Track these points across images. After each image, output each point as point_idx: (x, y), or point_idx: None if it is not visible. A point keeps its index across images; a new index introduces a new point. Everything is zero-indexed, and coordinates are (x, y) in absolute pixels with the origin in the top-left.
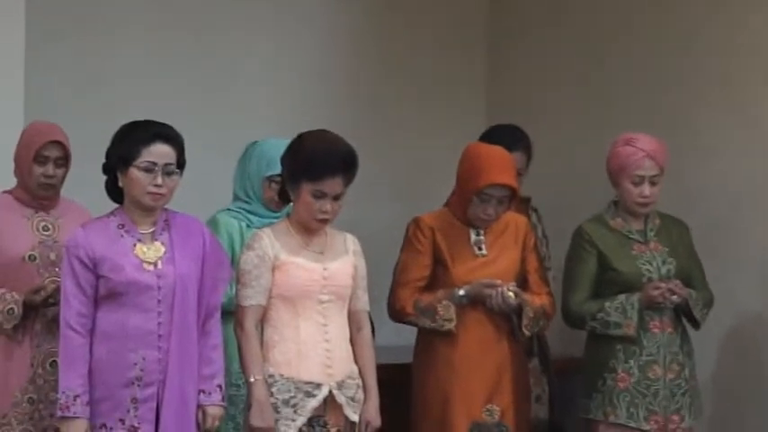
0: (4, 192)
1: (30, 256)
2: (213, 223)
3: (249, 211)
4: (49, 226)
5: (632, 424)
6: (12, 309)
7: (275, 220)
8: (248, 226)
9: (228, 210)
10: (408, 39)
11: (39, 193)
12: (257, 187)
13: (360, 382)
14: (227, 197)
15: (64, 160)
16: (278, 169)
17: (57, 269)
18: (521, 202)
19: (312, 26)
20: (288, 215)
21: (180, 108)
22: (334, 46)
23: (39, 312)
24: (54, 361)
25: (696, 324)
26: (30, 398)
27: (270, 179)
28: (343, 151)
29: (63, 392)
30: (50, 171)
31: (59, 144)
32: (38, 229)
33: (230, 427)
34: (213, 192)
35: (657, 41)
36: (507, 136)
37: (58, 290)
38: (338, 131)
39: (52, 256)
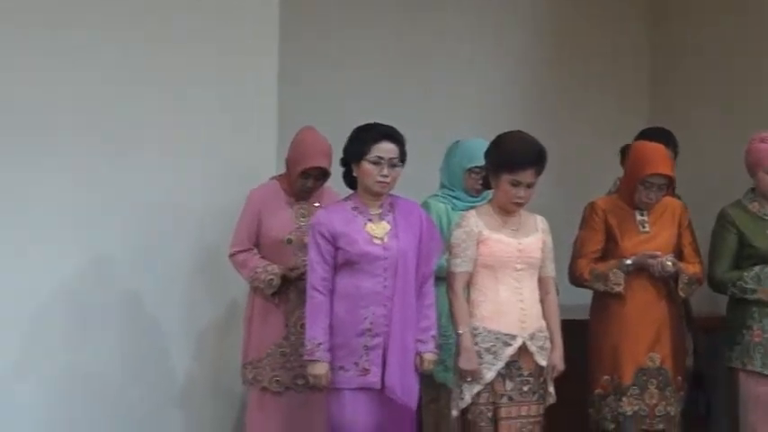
0: (273, 178)
1: (288, 240)
2: (425, 206)
3: (453, 197)
4: (306, 213)
5: (766, 372)
6: (271, 279)
7: (474, 205)
8: (452, 209)
9: (436, 196)
10: (583, 54)
11: (299, 194)
12: (459, 177)
13: (547, 334)
14: (436, 185)
15: (323, 175)
16: (476, 162)
17: None
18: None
19: (506, 47)
20: (489, 200)
21: (401, 113)
22: (525, 61)
23: (292, 284)
24: (303, 324)
25: None
26: (282, 351)
27: (470, 170)
28: (535, 148)
29: (309, 341)
30: (310, 184)
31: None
32: (297, 216)
33: (440, 370)
34: (426, 180)
35: None
36: (658, 136)
37: None
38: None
39: (306, 240)
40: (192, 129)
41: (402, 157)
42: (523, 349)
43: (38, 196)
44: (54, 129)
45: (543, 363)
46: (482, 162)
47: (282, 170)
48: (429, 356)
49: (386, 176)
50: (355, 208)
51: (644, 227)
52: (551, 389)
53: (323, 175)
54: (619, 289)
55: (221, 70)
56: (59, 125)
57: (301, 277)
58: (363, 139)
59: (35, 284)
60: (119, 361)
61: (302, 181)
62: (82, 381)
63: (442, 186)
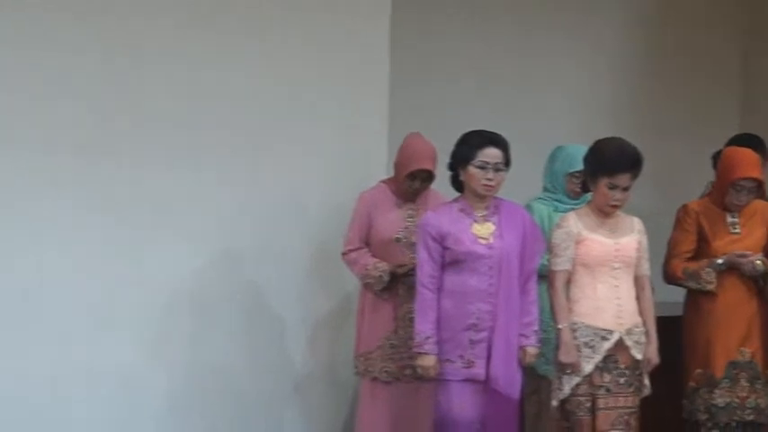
0: (382, 181)
1: (396, 239)
2: (528, 209)
3: (555, 200)
4: (413, 213)
5: None
6: (381, 276)
7: (575, 207)
8: (554, 211)
9: (539, 198)
10: (675, 66)
11: (406, 195)
12: (561, 181)
13: (643, 329)
14: (539, 188)
15: (429, 177)
16: (577, 167)
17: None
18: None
19: (603, 66)
20: (588, 202)
21: (503, 121)
22: (620, 73)
23: (401, 281)
24: (411, 318)
25: None
26: (392, 343)
27: (571, 174)
28: (632, 153)
29: (418, 334)
30: (417, 186)
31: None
32: (405, 217)
33: (542, 362)
34: (528, 184)
35: None
36: (748, 142)
37: (416, 267)
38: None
39: (413, 239)
40: (312, 135)
41: (506, 162)
42: (620, 344)
43: (180, 197)
44: (188, 130)
45: (639, 356)
46: (582, 167)
47: (391, 174)
48: (531, 350)
49: (491, 180)
50: (462, 210)
51: (734, 228)
52: (647, 381)
53: (429, 177)
54: (711, 287)
55: (338, 80)
56: (195, 127)
57: (409, 274)
58: (470, 144)
59: (168, 279)
60: (240, 352)
61: (409, 183)
62: (207, 371)
63: (545, 189)
